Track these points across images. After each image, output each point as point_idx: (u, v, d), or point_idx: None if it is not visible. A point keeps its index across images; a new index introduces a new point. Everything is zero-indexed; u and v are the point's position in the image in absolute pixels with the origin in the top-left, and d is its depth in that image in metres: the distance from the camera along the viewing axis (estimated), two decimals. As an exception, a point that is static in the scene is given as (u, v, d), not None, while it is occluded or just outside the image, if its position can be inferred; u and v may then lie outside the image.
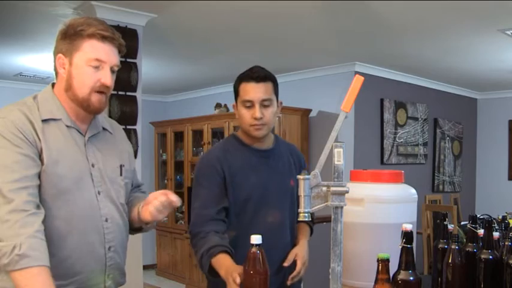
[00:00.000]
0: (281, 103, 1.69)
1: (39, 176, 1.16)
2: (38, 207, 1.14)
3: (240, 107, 1.62)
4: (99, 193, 1.27)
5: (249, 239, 1.32)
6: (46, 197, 1.18)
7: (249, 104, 1.58)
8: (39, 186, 1.17)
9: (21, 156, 1.14)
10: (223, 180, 1.58)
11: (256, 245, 1.19)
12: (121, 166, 1.35)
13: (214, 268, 1.44)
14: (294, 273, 1.55)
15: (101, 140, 1.33)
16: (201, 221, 1.55)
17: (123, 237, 1.35)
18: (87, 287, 1.24)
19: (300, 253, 1.59)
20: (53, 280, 1.13)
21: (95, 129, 1.32)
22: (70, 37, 1.23)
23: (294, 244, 1.68)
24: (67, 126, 1.25)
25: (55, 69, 1.28)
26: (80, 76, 1.23)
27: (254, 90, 1.57)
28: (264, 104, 1.57)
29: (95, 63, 1.23)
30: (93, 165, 1.27)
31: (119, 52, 1.29)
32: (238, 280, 1.28)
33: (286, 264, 1.56)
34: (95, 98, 1.25)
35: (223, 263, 1.41)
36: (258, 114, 1.55)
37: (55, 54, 1.27)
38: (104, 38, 1.24)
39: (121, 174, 1.34)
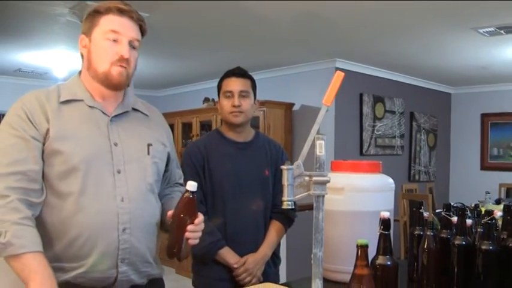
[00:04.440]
0: (258, 101, 1.89)
1: (43, 155, 1.14)
2: (25, 193, 1.10)
3: (221, 98, 1.83)
4: (118, 172, 1.21)
5: (224, 222, 1.67)
6: (53, 174, 1.15)
7: (229, 94, 1.79)
8: (45, 165, 1.14)
9: (15, 139, 1.12)
10: (202, 168, 1.75)
11: (192, 192, 1.14)
12: (148, 145, 1.28)
13: (220, 256, 1.71)
14: (237, 275, 1.71)
15: (129, 119, 1.29)
16: None
17: (148, 219, 1.25)
18: (98, 271, 1.17)
19: (250, 260, 1.72)
20: (64, 262, 1.13)
21: (121, 109, 1.27)
22: (90, 16, 1.24)
23: (265, 230, 1.80)
24: (89, 106, 1.22)
25: (80, 53, 1.27)
26: (98, 50, 1.21)
27: (234, 83, 1.80)
28: (242, 94, 1.79)
29: (111, 35, 1.20)
30: (115, 144, 1.22)
31: (141, 29, 1.26)
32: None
33: (236, 265, 1.71)
34: (115, 71, 1.21)
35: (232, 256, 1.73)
36: (236, 102, 1.77)
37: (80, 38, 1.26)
38: (120, 12, 1.21)
39: (148, 154, 1.28)
